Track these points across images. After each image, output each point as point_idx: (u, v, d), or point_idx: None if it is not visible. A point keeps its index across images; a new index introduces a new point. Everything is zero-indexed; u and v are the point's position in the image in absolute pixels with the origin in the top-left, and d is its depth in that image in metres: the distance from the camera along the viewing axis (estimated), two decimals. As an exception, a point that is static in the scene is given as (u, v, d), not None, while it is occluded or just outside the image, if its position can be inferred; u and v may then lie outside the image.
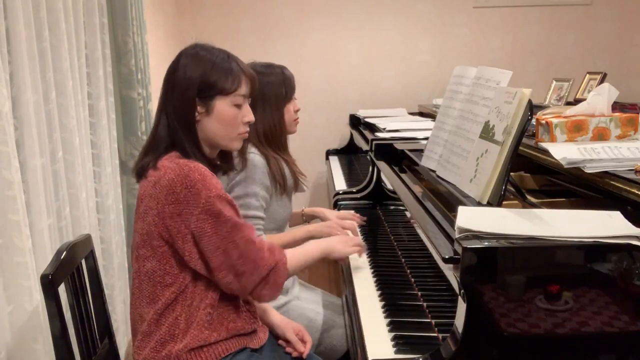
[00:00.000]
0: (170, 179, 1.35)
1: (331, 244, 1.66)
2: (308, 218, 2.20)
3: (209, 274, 1.40)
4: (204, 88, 1.42)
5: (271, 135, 1.92)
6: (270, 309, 1.70)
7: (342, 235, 1.82)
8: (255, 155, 1.86)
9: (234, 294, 1.44)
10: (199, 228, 1.35)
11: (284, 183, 1.91)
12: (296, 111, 2.03)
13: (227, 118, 1.46)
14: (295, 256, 1.52)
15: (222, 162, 1.58)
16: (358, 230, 2.02)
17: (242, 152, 1.84)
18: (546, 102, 2.95)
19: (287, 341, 1.62)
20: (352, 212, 2.20)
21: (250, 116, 1.50)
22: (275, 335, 1.65)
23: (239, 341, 1.47)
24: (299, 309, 1.87)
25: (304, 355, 1.59)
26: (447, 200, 1.53)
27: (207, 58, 1.44)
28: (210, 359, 1.41)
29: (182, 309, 1.41)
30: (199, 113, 1.44)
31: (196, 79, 1.42)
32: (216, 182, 1.39)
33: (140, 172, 1.47)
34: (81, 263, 1.58)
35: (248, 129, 1.52)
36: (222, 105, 1.45)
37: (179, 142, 1.44)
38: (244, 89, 1.47)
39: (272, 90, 1.92)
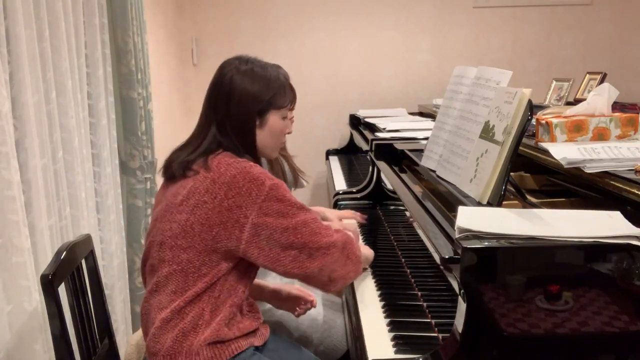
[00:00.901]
0: (232, 175, 1.40)
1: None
2: None
3: (272, 264, 1.41)
4: (262, 103, 1.51)
5: None
6: (264, 282, 1.77)
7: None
8: None
9: (309, 282, 1.47)
10: (264, 214, 1.38)
11: (285, 179, 1.92)
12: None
13: (278, 130, 1.55)
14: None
15: None
16: (359, 231, 2.03)
17: None
18: (546, 102, 2.95)
19: (294, 300, 1.70)
20: (353, 211, 2.20)
21: (290, 127, 1.62)
22: (279, 300, 1.73)
23: (247, 340, 1.49)
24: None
25: (314, 304, 1.70)
26: (447, 200, 1.53)
27: (262, 74, 1.52)
28: (224, 356, 1.43)
29: (208, 300, 1.43)
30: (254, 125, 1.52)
31: (257, 95, 1.50)
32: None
33: (184, 168, 1.48)
34: (81, 263, 1.58)
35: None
36: (274, 119, 1.54)
37: (232, 146, 1.49)
38: (292, 103, 1.59)
39: None
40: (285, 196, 1.41)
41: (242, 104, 1.49)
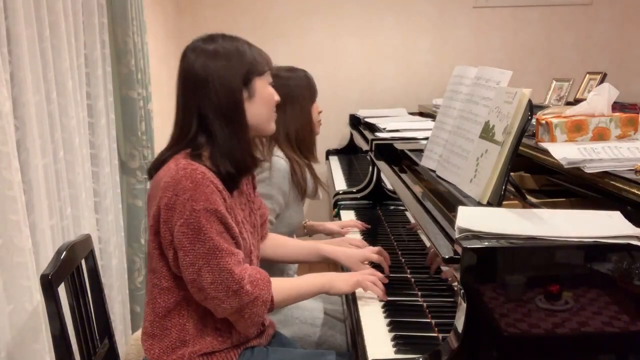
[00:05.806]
0: (166, 182, 1.32)
1: (332, 279, 1.50)
2: (310, 231, 2.20)
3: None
4: (245, 73, 1.40)
5: (302, 136, 1.95)
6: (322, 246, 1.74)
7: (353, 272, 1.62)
8: (279, 159, 1.87)
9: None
10: (178, 240, 1.31)
11: (304, 187, 1.91)
12: (319, 112, 2.05)
13: (268, 97, 1.45)
14: (283, 290, 1.42)
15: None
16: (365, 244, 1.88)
17: (269, 152, 1.85)
18: (546, 102, 2.95)
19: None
20: (354, 220, 2.19)
21: (277, 95, 1.49)
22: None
23: (246, 346, 1.46)
24: (298, 309, 1.86)
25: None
26: (447, 200, 1.53)
27: (234, 45, 1.42)
28: None
29: (189, 315, 1.39)
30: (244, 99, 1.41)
31: (236, 65, 1.39)
32: (210, 192, 1.31)
33: (152, 171, 1.44)
34: (81, 263, 1.58)
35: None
36: (261, 85, 1.44)
37: (206, 141, 1.38)
38: (268, 67, 1.48)
39: (299, 92, 1.94)
40: (202, 228, 1.29)
41: (224, 82, 1.38)
